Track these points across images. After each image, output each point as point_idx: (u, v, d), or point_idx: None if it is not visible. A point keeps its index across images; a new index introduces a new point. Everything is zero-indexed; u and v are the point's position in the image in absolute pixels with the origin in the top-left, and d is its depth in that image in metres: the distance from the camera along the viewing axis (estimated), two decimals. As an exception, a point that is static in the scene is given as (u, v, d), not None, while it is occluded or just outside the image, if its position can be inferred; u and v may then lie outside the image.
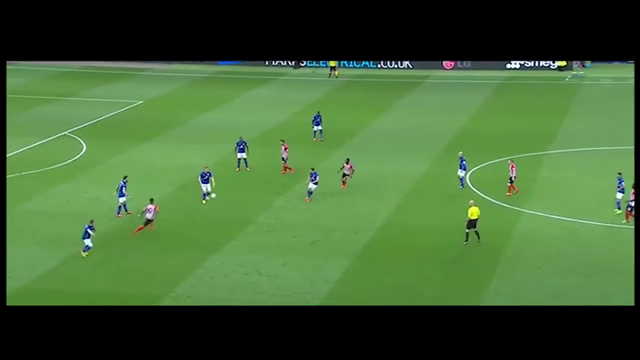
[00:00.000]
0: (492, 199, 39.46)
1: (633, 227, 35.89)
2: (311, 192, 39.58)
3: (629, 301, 29.79)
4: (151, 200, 36.21)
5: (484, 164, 44.80)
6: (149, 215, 35.60)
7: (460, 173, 41.31)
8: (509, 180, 40.20)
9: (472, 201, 35.58)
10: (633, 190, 35.90)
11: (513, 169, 40.23)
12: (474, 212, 34.44)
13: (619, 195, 37.62)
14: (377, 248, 34.78)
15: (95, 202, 39.93)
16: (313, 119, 50.17)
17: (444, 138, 50.01)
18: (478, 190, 40.90)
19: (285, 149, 43.83)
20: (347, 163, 41.46)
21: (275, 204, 39.67)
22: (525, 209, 38.58)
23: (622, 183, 37.63)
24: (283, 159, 43.91)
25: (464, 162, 41.34)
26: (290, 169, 43.66)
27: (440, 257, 33.70)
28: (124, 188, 37.91)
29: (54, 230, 36.70)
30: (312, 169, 40.05)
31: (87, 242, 33.65)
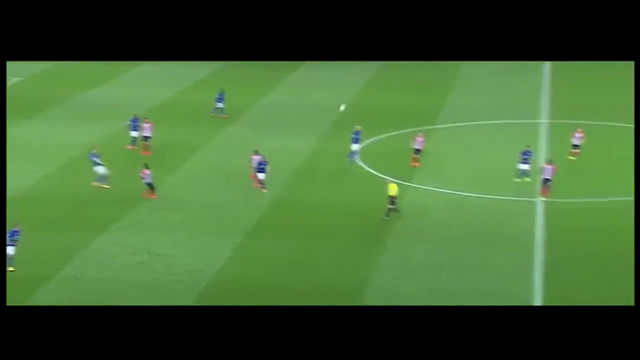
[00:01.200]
0: (381, 173, 40.11)
1: (517, 199, 37.29)
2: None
3: (510, 271, 31.03)
4: (145, 166, 36.78)
5: (372, 139, 45.43)
6: (148, 180, 36.64)
7: (354, 147, 41.83)
8: (415, 152, 41.20)
9: (387, 179, 36.36)
10: (552, 166, 37.24)
11: (420, 140, 41.21)
12: (393, 189, 34.99)
13: (524, 166, 39.06)
14: (268, 224, 34.88)
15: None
16: (218, 95, 49.57)
17: (332, 114, 50.42)
18: (366, 165, 41.49)
19: (151, 127, 43.26)
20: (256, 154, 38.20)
21: (164, 181, 39.22)
22: (413, 183, 39.39)
23: (529, 155, 39.14)
24: (146, 137, 43.20)
25: (358, 137, 41.88)
26: (148, 150, 42.55)
27: (331, 232, 34.08)
28: None
29: None
30: (263, 157, 38.02)
31: (10, 250, 29.95)
